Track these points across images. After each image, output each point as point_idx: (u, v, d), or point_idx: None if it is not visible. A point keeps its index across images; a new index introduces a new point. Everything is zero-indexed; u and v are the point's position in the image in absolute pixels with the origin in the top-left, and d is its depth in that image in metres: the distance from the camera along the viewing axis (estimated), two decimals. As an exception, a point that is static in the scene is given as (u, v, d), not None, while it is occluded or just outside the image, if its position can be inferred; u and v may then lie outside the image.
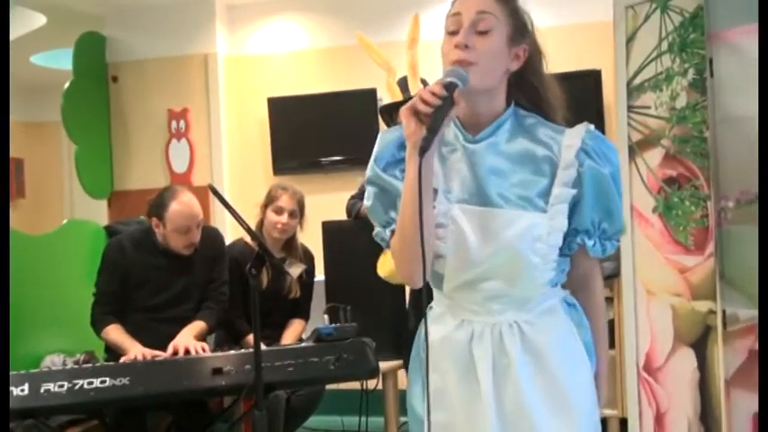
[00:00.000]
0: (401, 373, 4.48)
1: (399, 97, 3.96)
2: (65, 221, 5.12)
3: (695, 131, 3.05)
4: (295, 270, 4.01)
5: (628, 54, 3.32)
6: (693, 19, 3.04)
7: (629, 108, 3.33)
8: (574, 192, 1.77)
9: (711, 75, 2.61)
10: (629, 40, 3.33)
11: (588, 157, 1.79)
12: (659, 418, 3.22)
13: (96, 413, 3.81)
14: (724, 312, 2.56)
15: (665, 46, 3.18)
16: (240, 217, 3.20)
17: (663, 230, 3.21)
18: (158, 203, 3.93)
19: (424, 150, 1.65)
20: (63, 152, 9.33)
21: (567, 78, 5.82)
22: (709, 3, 2.62)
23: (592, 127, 1.84)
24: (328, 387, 4.24)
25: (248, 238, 4.40)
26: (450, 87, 1.69)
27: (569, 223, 1.80)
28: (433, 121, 1.67)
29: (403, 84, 4.17)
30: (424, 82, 4.15)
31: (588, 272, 1.91)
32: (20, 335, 4.47)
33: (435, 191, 1.81)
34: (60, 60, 7.63)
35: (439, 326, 1.86)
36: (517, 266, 1.77)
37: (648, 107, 3.26)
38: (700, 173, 3.03)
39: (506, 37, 1.80)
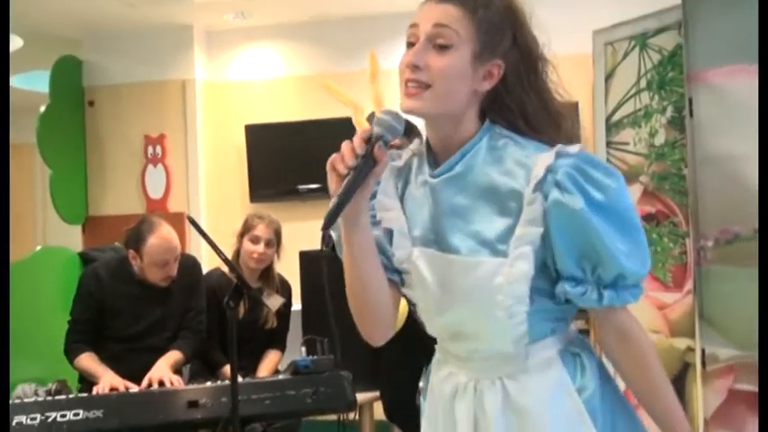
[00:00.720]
0: (377, 404, 4.45)
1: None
2: (38, 248, 5.07)
3: (674, 169, 3.08)
4: (274, 302, 3.98)
5: (607, 90, 3.36)
6: (672, 57, 3.08)
7: (608, 144, 3.36)
8: (540, 230, 1.48)
9: (691, 114, 2.64)
10: (608, 76, 3.36)
11: (555, 185, 1.47)
12: (637, 455, 3.22)
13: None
14: (703, 351, 2.56)
15: (643, 83, 3.21)
16: (218, 248, 3.18)
17: (641, 267, 3.22)
18: (136, 236, 3.88)
19: (328, 222, 1.43)
20: (37, 176, 9.25)
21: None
22: (689, 43, 2.65)
23: (571, 149, 1.49)
24: (305, 418, 4.20)
25: (225, 268, 4.37)
26: (371, 142, 1.46)
27: (556, 267, 1.52)
28: (347, 184, 1.43)
29: (372, 119, 4.17)
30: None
31: (615, 327, 1.55)
32: (-10, 363, 4.41)
33: (390, 232, 1.63)
34: (36, 83, 7.58)
35: (434, 374, 1.71)
36: (479, 321, 1.55)
37: (627, 143, 3.29)
38: (678, 210, 3.05)
39: (471, 53, 1.51)
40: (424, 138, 1.63)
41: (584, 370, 1.57)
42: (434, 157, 1.60)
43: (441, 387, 1.66)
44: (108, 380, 3.62)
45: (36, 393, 4.25)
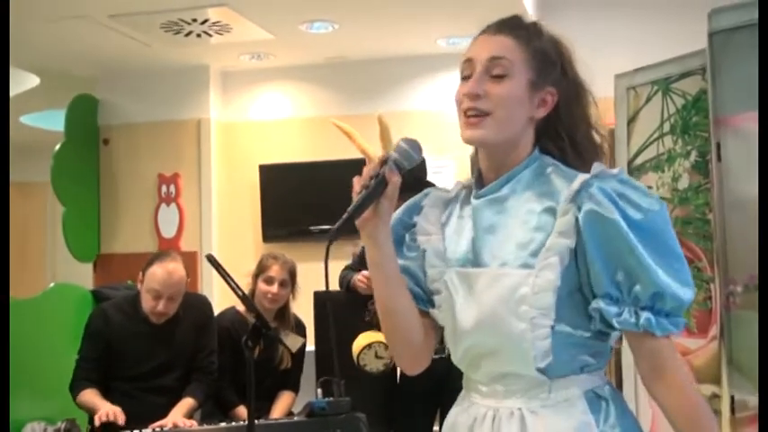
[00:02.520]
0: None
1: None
2: (51, 285, 5.05)
3: (698, 213, 3.06)
4: (293, 342, 3.95)
5: (629, 134, 3.35)
6: (696, 102, 3.07)
7: (631, 188, 3.34)
8: (569, 243, 1.47)
9: (719, 159, 2.62)
10: (631, 120, 3.36)
11: (589, 198, 1.47)
12: (661, 505, 3.17)
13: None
14: (732, 398, 2.52)
15: (666, 127, 3.20)
16: (238, 286, 3.15)
17: (664, 312, 3.19)
18: (149, 261, 3.94)
19: (334, 234, 1.50)
20: (48, 213, 9.27)
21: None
22: (716, 88, 2.65)
23: (613, 170, 1.51)
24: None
25: (240, 306, 4.35)
26: (384, 166, 1.54)
27: (590, 287, 1.50)
28: (358, 200, 1.52)
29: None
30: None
31: (649, 369, 1.49)
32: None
33: (424, 252, 1.67)
34: (51, 121, 7.62)
35: (456, 406, 1.68)
36: (501, 334, 1.52)
37: (650, 187, 3.27)
38: (703, 255, 3.03)
39: (527, 81, 1.56)
40: (475, 169, 1.67)
41: (608, 416, 1.52)
42: (482, 182, 1.64)
43: (460, 417, 1.64)
44: (106, 409, 3.59)
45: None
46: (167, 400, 3.85)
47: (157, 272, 3.81)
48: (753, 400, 2.44)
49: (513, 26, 1.61)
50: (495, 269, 1.54)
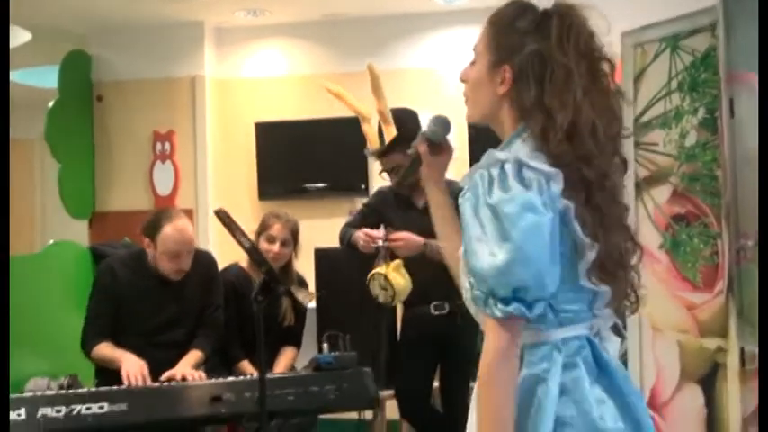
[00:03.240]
0: (390, 403, 4.47)
1: (376, 142, 3.93)
2: (51, 242, 5.06)
3: (705, 170, 3.09)
4: (304, 297, 3.98)
5: (636, 91, 3.37)
6: (705, 59, 3.09)
7: (637, 144, 3.37)
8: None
9: (732, 115, 2.66)
10: (637, 77, 3.37)
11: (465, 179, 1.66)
12: (664, 455, 3.25)
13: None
14: (742, 350, 2.58)
15: (674, 85, 3.22)
16: (251, 242, 3.18)
17: (670, 267, 3.24)
18: (153, 224, 3.91)
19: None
20: (36, 170, 9.23)
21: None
22: (730, 45, 2.68)
23: (501, 154, 1.60)
24: (321, 416, 4.21)
25: (243, 263, 4.38)
26: (423, 140, 1.94)
27: None
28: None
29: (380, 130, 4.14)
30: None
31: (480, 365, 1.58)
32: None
33: None
34: (40, 78, 7.56)
35: None
36: None
37: (656, 144, 3.30)
38: (710, 211, 3.07)
39: (488, 62, 1.71)
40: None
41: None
42: None
43: None
44: (129, 363, 3.64)
45: (49, 387, 4.24)
46: (176, 355, 3.90)
47: (171, 233, 3.82)
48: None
49: (492, 14, 1.76)
50: None
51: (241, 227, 3.15)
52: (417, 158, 1.95)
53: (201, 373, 3.72)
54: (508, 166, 1.56)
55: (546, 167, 1.55)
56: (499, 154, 1.59)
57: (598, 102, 1.64)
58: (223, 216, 3.14)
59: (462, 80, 1.80)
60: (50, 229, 9.15)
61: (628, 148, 3.38)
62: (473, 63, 1.76)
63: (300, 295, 3.85)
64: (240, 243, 3.19)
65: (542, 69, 1.64)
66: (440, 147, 1.95)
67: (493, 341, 1.54)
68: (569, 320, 1.61)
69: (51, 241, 5.12)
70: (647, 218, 3.34)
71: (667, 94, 3.25)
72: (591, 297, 1.63)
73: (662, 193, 3.29)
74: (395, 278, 3.64)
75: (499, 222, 1.52)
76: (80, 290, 5.01)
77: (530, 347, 1.60)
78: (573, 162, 1.58)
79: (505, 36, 1.69)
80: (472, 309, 1.64)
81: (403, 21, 5.85)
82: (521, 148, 1.61)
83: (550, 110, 1.61)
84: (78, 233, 6.16)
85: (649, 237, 3.32)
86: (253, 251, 3.20)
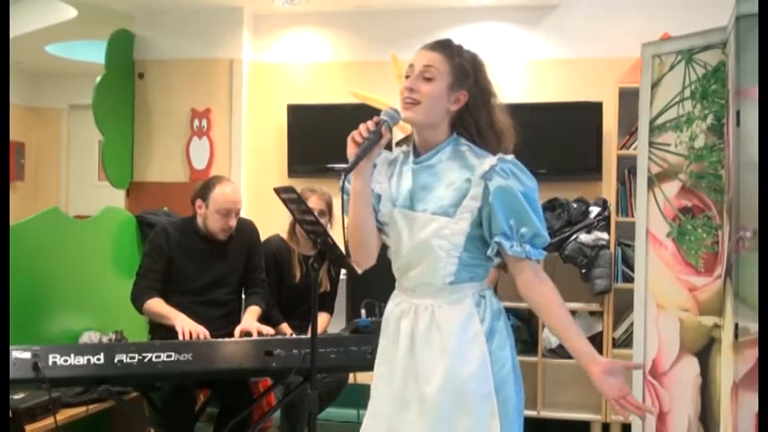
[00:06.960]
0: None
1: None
2: (103, 208, 5.40)
3: (711, 169, 3.50)
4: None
5: (652, 96, 3.77)
6: (715, 72, 3.49)
7: (651, 144, 3.76)
8: (477, 204, 2.25)
9: (738, 124, 3.06)
10: (655, 84, 3.77)
11: (496, 174, 2.24)
12: (662, 418, 3.67)
13: (144, 387, 4.16)
14: (737, 325, 3.01)
15: (687, 93, 3.62)
16: (313, 215, 3.55)
17: (675, 253, 3.65)
18: (205, 186, 4.36)
19: (347, 171, 2.29)
20: (62, 139, 9.56)
21: (570, 108, 6.31)
22: (740, 62, 3.07)
23: (508, 157, 2.28)
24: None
25: (284, 234, 4.78)
26: (379, 124, 2.25)
27: (490, 230, 2.26)
28: (360, 150, 2.24)
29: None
30: None
31: (531, 278, 2.28)
32: (57, 312, 4.78)
33: (379, 196, 2.40)
34: (75, 51, 7.87)
35: (390, 303, 2.49)
36: (427, 258, 2.29)
37: (669, 144, 3.70)
38: (713, 205, 3.48)
39: (447, 84, 2.29)
40: (412, 141, 2.44)
41: (486, 308, 2.33)
42: (417, 151, 2.40)
43: (393, 310, 2.45)
44: (185, 319, 4.04)
45: (100, 341, 4.64)
46: (220, 313, 4.32)
47: (223, 192, 4.27)
48: (753, 326, 2.93)
49: (443, 46, 2.35)
50: (428, 215, 2.30)
51: (301, 198, 3.53)
52: (377, 140, 2.26)
53: (269, 328, 4.14)
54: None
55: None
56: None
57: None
58: (286, 191, 3.51)
59: (413, 89, 2.28)
60: (74, 197, 9.48)
61: (642, 146, 3.81)
62: (428, 79, 2.28)
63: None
64: (295, 218, 3.57)
65: (483, 98, 2.35)
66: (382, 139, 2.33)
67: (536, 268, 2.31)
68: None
69: (104, 206, 5.48)
70: (657, 209, 3.74)
71: (680, 100, 3.64)
72: None
73: (671, 188, 3.69)
74: None
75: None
76: (125, 253, 5.40)
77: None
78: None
79: (462, 67, 2.31)
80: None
81: (431, 14, 6.16)
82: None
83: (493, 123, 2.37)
84: (105, 201, 6.45)
85: (658, 225, 3.73)
86: (314, 221, 3.57)
